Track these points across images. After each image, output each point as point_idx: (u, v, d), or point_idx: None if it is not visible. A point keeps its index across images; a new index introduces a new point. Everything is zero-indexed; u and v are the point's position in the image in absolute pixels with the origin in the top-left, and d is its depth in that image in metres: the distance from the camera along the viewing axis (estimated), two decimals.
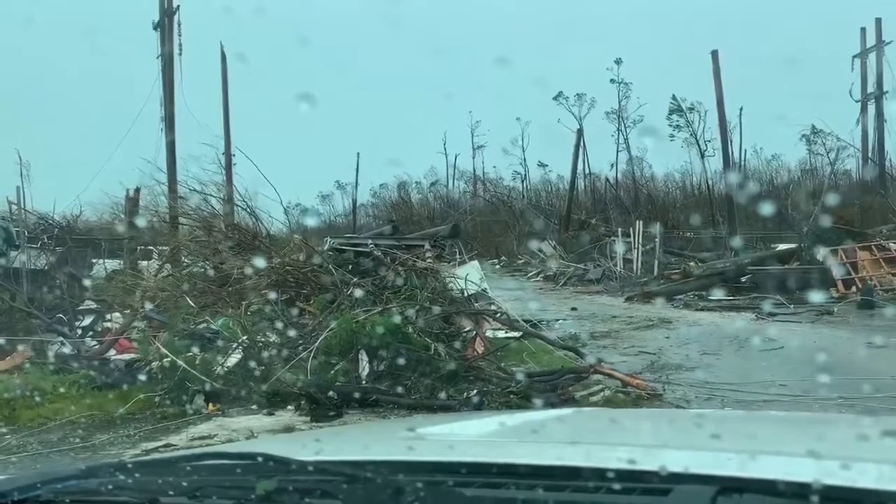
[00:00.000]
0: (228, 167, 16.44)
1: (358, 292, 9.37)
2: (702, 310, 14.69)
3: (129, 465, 1.10)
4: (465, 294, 10.38)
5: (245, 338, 8.59)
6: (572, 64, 49.46)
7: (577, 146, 34.94)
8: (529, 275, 24.70)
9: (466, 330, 10.01)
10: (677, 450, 1.30)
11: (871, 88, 28.56)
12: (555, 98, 39.10)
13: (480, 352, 9.03)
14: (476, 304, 10.70)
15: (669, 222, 27.28)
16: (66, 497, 1.04)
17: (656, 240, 20.85)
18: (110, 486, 1.02)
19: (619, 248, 22.25)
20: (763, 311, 13.52)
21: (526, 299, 15.97)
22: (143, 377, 8.08)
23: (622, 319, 13.37)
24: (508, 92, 51.19)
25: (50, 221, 17.83)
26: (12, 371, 9.43)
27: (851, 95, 28.90)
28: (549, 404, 6.58)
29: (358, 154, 37.49)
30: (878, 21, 27.94)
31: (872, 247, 15.93)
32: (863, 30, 28.31)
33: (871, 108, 28.74)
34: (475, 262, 13.14)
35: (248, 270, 10.06)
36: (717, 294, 15.58)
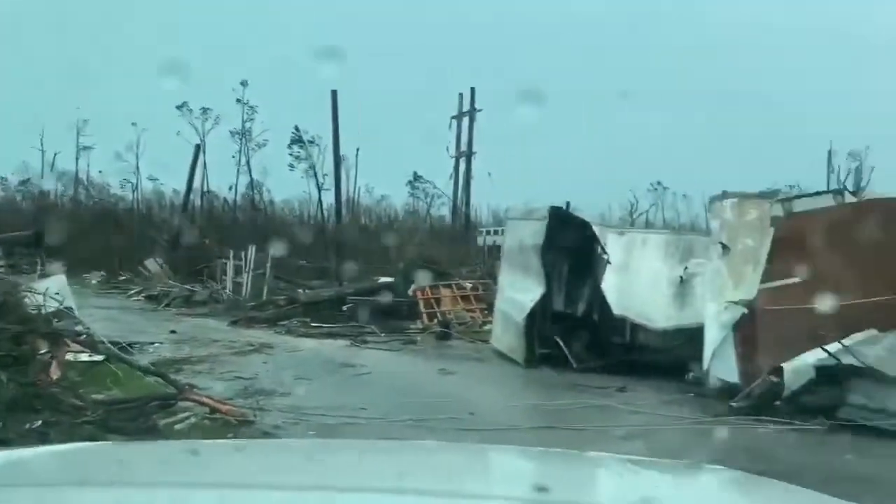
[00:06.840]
0: None
1: None
2: (304, 336, 15.17)
3: None
4: (44, 311, 9.23)
5: None
6: (200, 75, 47.24)
7: (194, 161, 33.76)
8: (130, 293, 22.93)
9: (42, 352, 8.93)
10: None
11: (464, 147, 32.96)
12: (178, 108, 37.09)
13: (55, 378, 8.10)
14: (58, 324, 9.58)
15: (285, 249, 27.81)
16: None
17: (267, 265, 21.04)
18: None
19: (229, 270, 21.97)
20: (357, 339, 14.58)
21: (121, 320, 14.81)
22: None
23: (223, 344, 13.12)
24: (128, 95, 46.95)
25: None
26: None
27: (448, 151, 32.99)
28: (129, 434, 6.22)
29: None
30: (472, 90, 32.43)
31: (452, 285, 18.19)
32: (460, 95, 32.57)
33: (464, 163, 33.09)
34: (61, 276, 11.79)
35: None
36: (319, 321, 16.34)
